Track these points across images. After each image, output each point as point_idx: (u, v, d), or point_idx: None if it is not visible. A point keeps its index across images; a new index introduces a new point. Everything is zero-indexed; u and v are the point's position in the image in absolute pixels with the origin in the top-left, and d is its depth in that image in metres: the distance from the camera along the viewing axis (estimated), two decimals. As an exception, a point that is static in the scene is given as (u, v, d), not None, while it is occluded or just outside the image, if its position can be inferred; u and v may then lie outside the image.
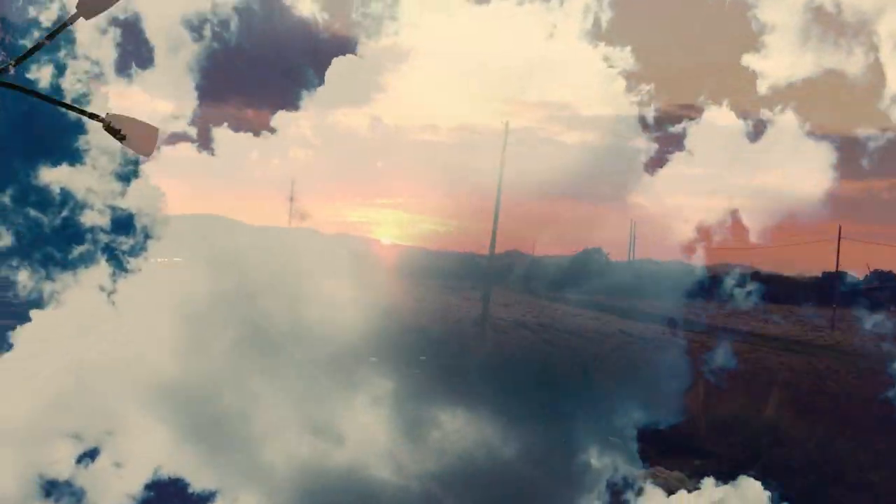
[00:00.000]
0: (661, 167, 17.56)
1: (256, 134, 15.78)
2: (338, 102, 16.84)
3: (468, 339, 28.32)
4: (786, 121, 16.25)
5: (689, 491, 13.13)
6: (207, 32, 14.59)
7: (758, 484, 12.68)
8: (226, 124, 15.34)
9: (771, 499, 12.58)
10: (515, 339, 34.53)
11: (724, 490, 12.65)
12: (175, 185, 14.75)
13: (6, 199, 13.90)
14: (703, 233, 17.20)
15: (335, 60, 16.79)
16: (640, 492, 13.57)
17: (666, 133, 17.96)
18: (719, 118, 16.65)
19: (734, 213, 16.70)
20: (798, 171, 15.97)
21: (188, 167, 14.73)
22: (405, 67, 17.63)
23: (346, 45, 17.31)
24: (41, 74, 15.78)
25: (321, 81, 16.41)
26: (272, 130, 15.74)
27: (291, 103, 15.96)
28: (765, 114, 16.46)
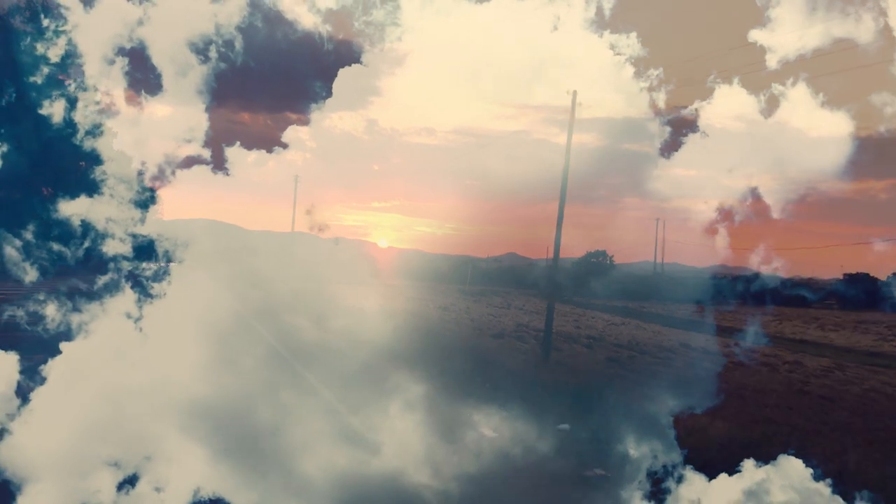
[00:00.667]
0: (676, 151, 17.43)
1: (269, 151, 15.87)
2: (334, 106, 16.89)
3: (529, 362, 24.55)
4: (799, 94, 16.09)
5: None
6: (213, 53, 14.68)
7: (799, 462, 12.54)
8: (238, 143, 15.44)
9: (813, 476, 12.43)
10: (579, 361, 28.14)
11: (766, 470, 12.51)
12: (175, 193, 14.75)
13: (29, 235, 14.12)
14: (725, 215, 17.04)
15: (342, 71, 16.88)
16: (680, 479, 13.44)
17: (678, 116, 17.86)
18: (731, 96, 16.51)
19: (754, 191, 16.54)
20: (815, 143, 15.79)
21: (196, 181, 14.77)
22: (402, 70, 17.64)
23: (350, 55, 17.38)
24: (54, 109, 15.97)
25: (329, 93, 16.49)
26: (284, 146, 15.82)
27: (302, 118, 16.05)
28: (777, 88, 16.29)
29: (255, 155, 15.85)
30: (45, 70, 16.83)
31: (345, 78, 17.31)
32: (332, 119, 17.48)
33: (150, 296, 13.18)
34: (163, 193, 14.25)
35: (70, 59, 15.84)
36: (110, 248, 13.38)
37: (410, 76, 17.75)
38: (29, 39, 17.40)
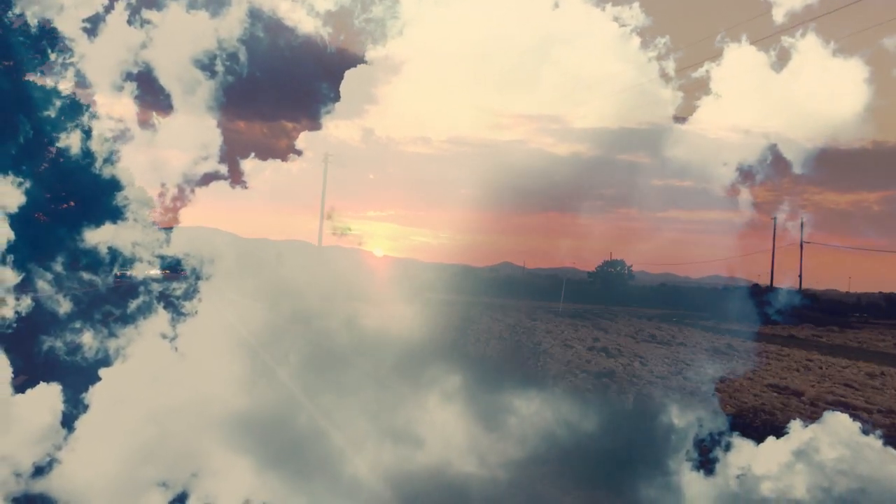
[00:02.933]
0: (692, 114, 17.16)
1: (284, 159, 15.92)
2: (331, 115, 16.86)
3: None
4: (809, 44, 15.77)
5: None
6: (219, 67, 14.75)
7: (846, 417, 12.37)
8: (253, 154, 15.50)
9: (862, 431, 12.25)
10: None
11: (812, 429, 12.35)
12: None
13: (59, 267, 14.33)
14: (746, 176, 16.76)
15: (348, 73, 16.87)
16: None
17: (689, 80, 17.59)
18: (741, 55, 16.22)
19: (773, 149, 16.24)
20: (831, 91, 15.49)
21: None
22: (398, 79, 17.58)
23: (354, 56, 17.41)
24: (70, 141, 16.18)
25: (337, 96, 16.47)
26: (298, 153, 15.85)
27: (314, 123, 16.06)
28: (786, 41, 16.00)
29: (267, 165, 15.87)
30: (58, 102, 17.03)
31: (351, 80, 17.30)
32: (328, 128, 17.48)
33: (183, 314, 13.33)
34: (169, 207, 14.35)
35: (80, 89, 16.02)
36: (139, 271, 13.56)
37: (407, 85, 17.69)
38: (39, 74, 17.59)
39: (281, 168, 16.19)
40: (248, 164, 15.83)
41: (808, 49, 15.63)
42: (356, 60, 17.11)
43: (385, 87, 17.72)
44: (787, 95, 15.79)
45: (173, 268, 14.24)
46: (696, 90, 17.21)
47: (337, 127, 17.92)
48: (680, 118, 17.69)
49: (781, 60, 16.15)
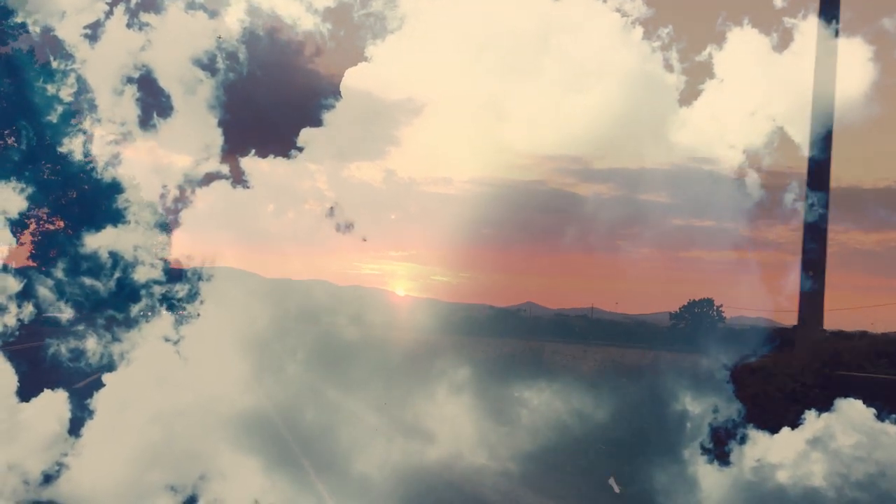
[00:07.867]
0: (696, 99, 16.85)
1: (286, 156, 15.68)
2: (352, 156, 16.79)
3: None
4: (810, 25, 15.52)
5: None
6: (220, 66, 14.64)
7: (859, 403, 12.16)
8: (253, 152, 15.31)
9: (876, 415, 12.03)
10: None
11: (826, 418, 12.16)
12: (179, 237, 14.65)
13: (59, 274, 14.26)
14: (753, 158, 16.44)
15: (348, 72, 16.64)
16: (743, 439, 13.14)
17: (693, 63, 17.27)
18: (743, 38, 15.95)
19: (780, 131, 15.95)
20: (834, 72, 15.26)
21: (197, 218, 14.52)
22: (419, 120, 17.52)
23: (354, 52, 17.26)
24: (73, 145, 16.14)
25: (338, 94, 16.27)
26: (300, 149, 15.62)
27: (314, 120, 15.85)
28: (788, 22, 15.75)
29: (270, 166, 15.59)
30: (60, 109, 16.98)
31: (354, 78, 17.09)
32: (350, 169, 17.40)
33: (187, 317, 13.23)
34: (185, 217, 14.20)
35: (81, 95, 15.98)
36: (141, 275, 13.46)
37: (429, 126, 17.60)
38: (41, 80, 17.59)
39: (300, 211, 15.90)
40: (249, 163, 15.58)
41: (810, 30, 15.39)
42: (357, 58, 16.91)
43: (407, 129, 17.67)
44: (791, 77, 15.54)
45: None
46: (699, 75, 16.91)
47: (359, 168, 17.87)
48: (685, 101, 17.32)
49: (784, 41, 15.92)
